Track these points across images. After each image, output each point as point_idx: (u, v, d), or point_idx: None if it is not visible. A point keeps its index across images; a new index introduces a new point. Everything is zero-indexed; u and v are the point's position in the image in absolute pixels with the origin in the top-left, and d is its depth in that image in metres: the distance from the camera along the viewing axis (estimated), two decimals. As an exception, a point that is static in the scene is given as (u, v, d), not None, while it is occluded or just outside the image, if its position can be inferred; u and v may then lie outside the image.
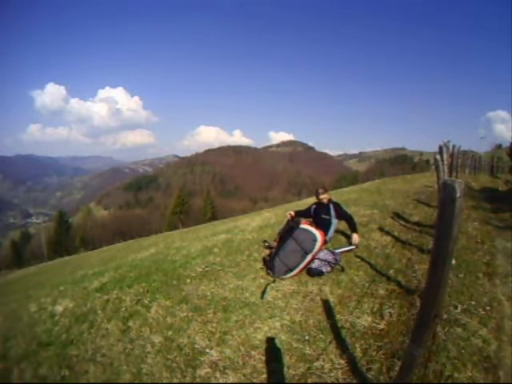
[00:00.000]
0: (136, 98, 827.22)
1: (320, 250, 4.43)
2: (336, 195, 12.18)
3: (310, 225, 4.67)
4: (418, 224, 6.60)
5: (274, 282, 4.33)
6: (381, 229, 6.28)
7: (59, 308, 4.84)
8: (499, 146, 56.55)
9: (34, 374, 3.42)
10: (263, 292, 4.10)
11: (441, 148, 6.71)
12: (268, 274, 4.57)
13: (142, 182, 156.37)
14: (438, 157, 6.01)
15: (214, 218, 47.56)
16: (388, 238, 5.75)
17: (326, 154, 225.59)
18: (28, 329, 4.48)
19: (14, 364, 3.63)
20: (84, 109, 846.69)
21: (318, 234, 4.48)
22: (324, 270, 4.36)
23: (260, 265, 5.00)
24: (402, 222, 6.81)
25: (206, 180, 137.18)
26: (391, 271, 4.34)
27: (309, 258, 4.37)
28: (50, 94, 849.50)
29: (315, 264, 4.39)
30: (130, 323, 3.90)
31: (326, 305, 3.62)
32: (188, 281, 4.76)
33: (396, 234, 5.95)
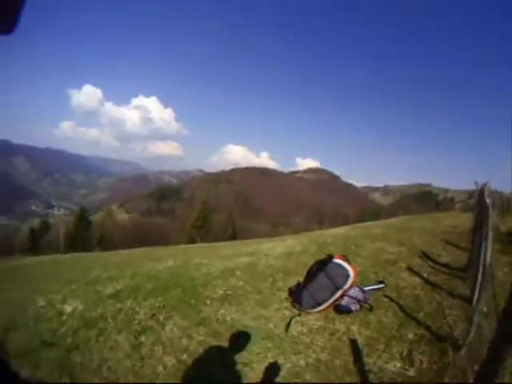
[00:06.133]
0: (169, 109, 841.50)
1: (351, 286, 4.25)
2: (361, 229, 11.99)
3: (343, 259, 4.47)
4: (447, 266, 6.33)
5: (299, 315, 4.17)
6: (409, 268, 6.03)
7: (68, 308, 4.70)
8: (527, 187, 54.97)
9: (31, 374, 3.20)
10: (288, 325, 3.92)
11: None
12: (294, 306, 4.40)
13: (166, 191, 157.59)
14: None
15: (233, 236, 47.38)
16: (417, 279, 5.50)
17: (350, 185, 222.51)
18: (32, 323, 4.34)
19: (12, 358, 3.41)
20: (117, 114, 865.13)
21: (351, 269, 4.30)
22: (353, 308, 4.18)
23: (285, 295, 4.82)
24: (431, 263, 6.54)
25: (230, 198, 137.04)
26: (421, 315, 4.13)
27: (339, 293, 4.20)
28: (86, 95, 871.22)
29: (344, 301, 4.22)
30: (143, 339, 3.73)
31: (354, 345, 3.44)
32: (208, 302, 4.61)
33: (425, 275, 5.69)
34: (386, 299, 4.58)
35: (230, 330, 3.83)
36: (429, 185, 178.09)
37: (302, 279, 4.83)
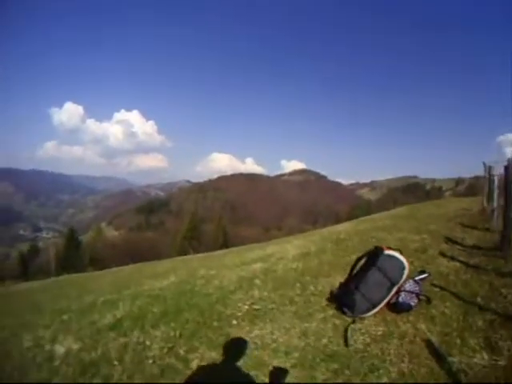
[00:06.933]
0: (151, 122, 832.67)
1: (406, 280, 3.84)
2: (367, 223, 11.64)
3: (394, 250, 3.97)
4: (477, 247, 6.02)
5: (353, 322, 3.61)
6: (442, 254, 5.67)
7: (60, 349, 3.81)
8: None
9: None
10: (345, 337, 3.32)
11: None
12: (343, 312, 3.82)
13: (154, 205, 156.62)
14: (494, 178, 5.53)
15: (225, 245, 46.66)
16: (457, 264, 5.12)
17: (338, 183, 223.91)
18: (18, 371, 3.46)
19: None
20: (100, 130, 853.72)
21: (405, 260, 3.85)
22: (412, 304, 3.73)
23: (323, 300, 4.21)
24: (459, 247, 6.20)
25: (218, 206, 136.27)
26: (479, 299, 3.77)
27: (394, 290, 3.75)
28: (68, 113, 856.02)
29: (401, 297, 3.75)
30: (164, 384, 2.80)
31: (430, 346, 3.00)
32: (234, 322, 3.85)
33: (462, 258, 5.34)
34: (437, 288, 4.16)
35: (277, 354, 3.03)
36: (415, 176, 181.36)
37: (340, 280, 4.31)
